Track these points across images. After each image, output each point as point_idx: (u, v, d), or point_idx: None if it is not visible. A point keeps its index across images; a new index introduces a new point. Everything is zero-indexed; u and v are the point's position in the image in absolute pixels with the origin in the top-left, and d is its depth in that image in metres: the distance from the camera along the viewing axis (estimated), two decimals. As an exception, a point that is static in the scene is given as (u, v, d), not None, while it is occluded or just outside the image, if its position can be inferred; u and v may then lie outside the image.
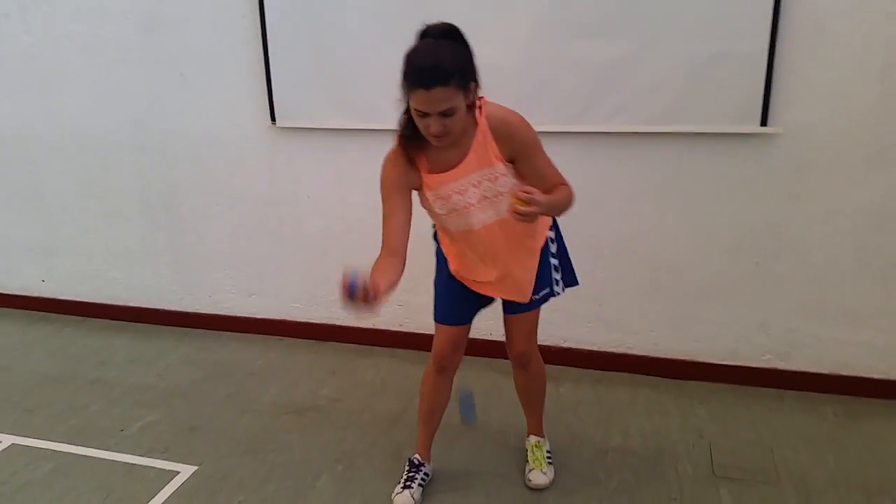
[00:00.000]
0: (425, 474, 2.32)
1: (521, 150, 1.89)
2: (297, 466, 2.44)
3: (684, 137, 2.68)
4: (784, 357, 2.85)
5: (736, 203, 2.72)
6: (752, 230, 2.74)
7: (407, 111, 1.84)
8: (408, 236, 1.95)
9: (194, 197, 3.39)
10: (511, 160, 1.90)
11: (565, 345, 3.09)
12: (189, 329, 3.56)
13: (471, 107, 1.84)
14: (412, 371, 3.05)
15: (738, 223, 2.74)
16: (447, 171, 1.90)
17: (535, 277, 2.10)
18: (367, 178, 3.13)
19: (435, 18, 2.72)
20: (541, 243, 2.10)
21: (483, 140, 1.87)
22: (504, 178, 1.91)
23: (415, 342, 3.23)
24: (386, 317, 3.30)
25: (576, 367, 3.07)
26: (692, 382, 2.93)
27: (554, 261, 2.17)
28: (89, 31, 3.26)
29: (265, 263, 3.41)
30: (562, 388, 2.91)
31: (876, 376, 2.76)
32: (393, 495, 2.25)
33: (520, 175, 1.93)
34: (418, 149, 1.90)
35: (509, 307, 2.20)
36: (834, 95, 2.51)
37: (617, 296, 2.96)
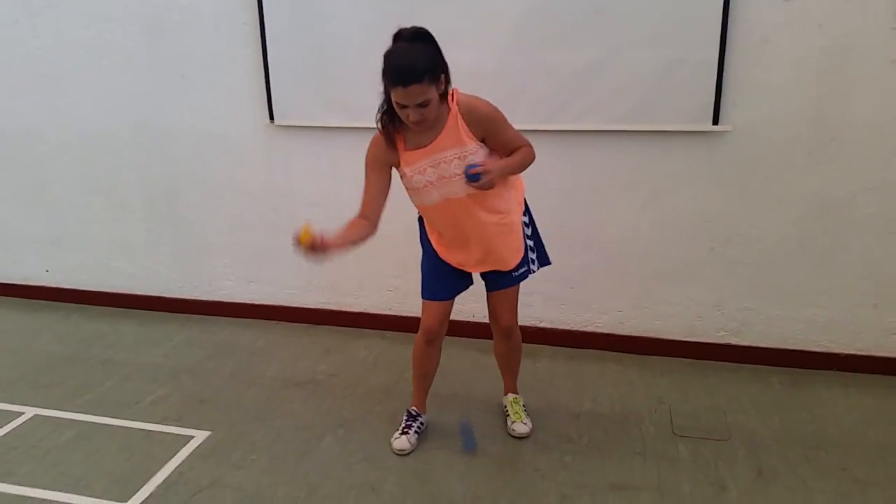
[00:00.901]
0: (421, 423, 2.63)
1: (489, 129, 2.21)
2: (302, 431, 2.70)
3: (646, 135, 2.99)
4: (737, 333, 3.17)
5: (692, 194, 3.04)
6: (707, 218, 3.05)
7: (387, 101, 2.14)
8: (382, 207, 2.30)
9: (195, 191, 3.63)
10: (482, 139, 2.21)
11: (541, 325, 3.38)
12: (191, 315, 3.79)
13: (443, 95, 2.14)
14: (402, 350, 3.32)
15: (695, 212, 3.06)
16: (423, 147, 2.20)
17: (519, 248, 2.39)
18: (358, 173, 3.43)
19: (420, 26, 3.01)
20: (516, 219, 2.39)
21: (455, 123, 2.17)
22: (474, 156, 2.19)
23: (403, 325, 3.50)
24: (376, 301, 3.57)
25: (550, 345, 3.36)
26: (655, 357, 3.23)
27: (529, 241, 2.46)
28: (97, 36, 3.49)
29: (262, 253, 3.65)
30: (538, 364, 3.20)
31: (817, 350, 3.09)
32: (392, 439, 2.56)
33: (492, 149, 2.24)
34: (397, 131, 2.21)
35: (493, 284, 2.48)
36: (777, 97, 2.83)
37: (587, 279, 3.26)
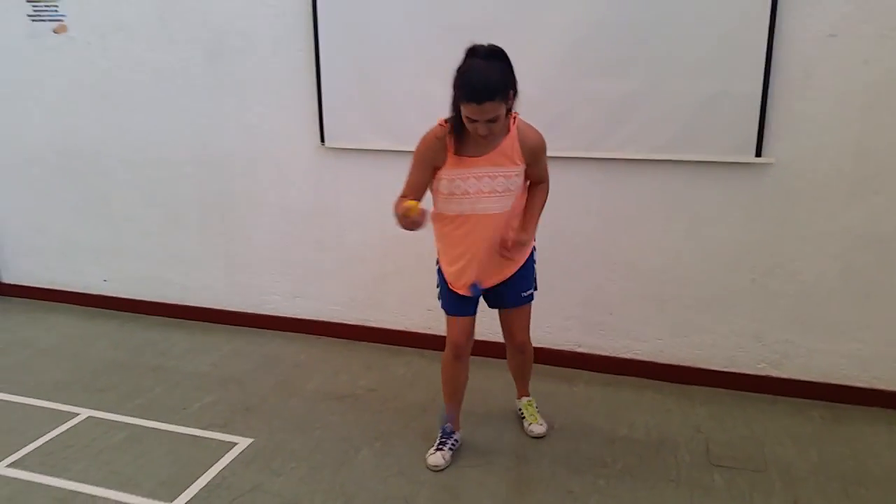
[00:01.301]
0: (455, 440, 2.69)
1: (536, 157, 2.39)
2: (340, 442, 2.78)
3: (688, 165, 3.02)
4: (777, 365, 3.15)
5: (734, 225, 3.05)
6: (748, 249, 3.06)
7: (456, 110, 2.24)
8: (422, 197, 2.40)
9: (248, 208, 3.78)
10: (528, 164, 2.37)
11: (579, 350, 3.41)
12: (239, 327, 3.93)
13: (507, 112, 2.24)
14: (440, 369, 3.36)
15: (736, 243, 3.07)
16: (473, 157, 2.32)
17: (522, 261, 2.55)
18: None
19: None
20: (526, 247, 2.54)
21: (511, 143, 2.32)
22: (517, 179, 2.37)
23: (442, 344, 3.54)
24: (416, 320, 3.65)
25: (588, 370, 3.38)
26: (693, 387, 3.23)
27: (535, 265, 2.62)
28: (161, 59, 3.69)
29: (309, 269, 3.78)
30: (575, 388, 3.22)
31: (859, 385, 3.05)
32: (427, 455, 2.64)
33: (527, 173, 2.41)
34: (458, 136, 2.31)
35: (507, 303, 2.62)
36: (820, 131, 2.84)
37: (626, 306, 3.28)
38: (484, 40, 3.08)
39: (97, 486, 2.51)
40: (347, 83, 3.38)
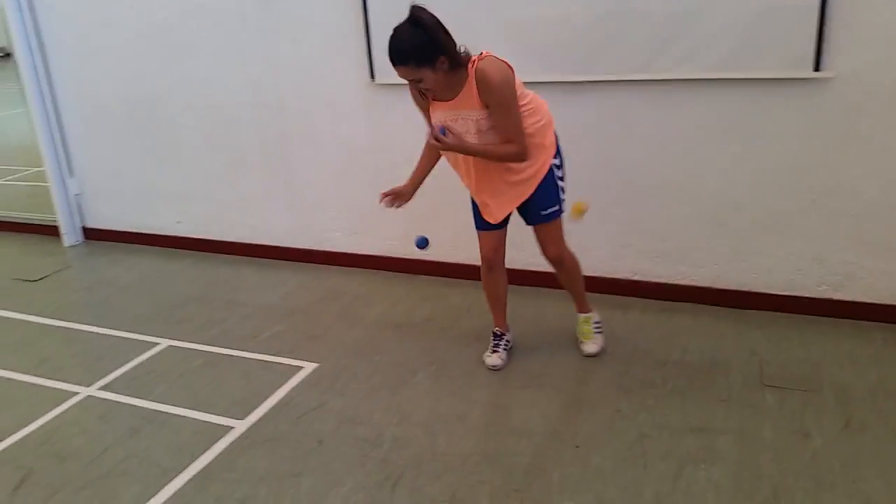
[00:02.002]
0: (507, 341, 2.92)
1: (493, 103, 2.40)
2: (398, 366, 2.92)
3: (742, 83, 2.93)
4: (838, 287, 3.09)
5: (792, 143, 2.96)
6: (807, 169, 2.97)
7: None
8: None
9: (305, 147, 3.89)
10: (486, 105, 2.41)
11: (634, 277, 3.42)
12: (303, 263, 4.10)
13: (460, 65, 2.36)
14: (495, 298, 3.47)
15: (795, 162, 2.98)
16: (444, 101, 2.47)
17: (527, 196, 2.62)
18: None
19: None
20: (529, 176, 2.59)
21: (469, 89, 2.41)
22: (486, 122, 2.45)
23: (498, 274, 3.64)
24: (471, 254, 3.69)
25: (643, 297, 3.39)
26: (751, 311, 3.20)
27: (561, 183, 2.66)
28: (214, 5, 3.79)
29: (365, 206, 3.87)
30: (629, 315, 3.25)
31: (926, 305, 2.97)
32: (484, 357, 2.89)
33: (493, 123, 2.45)
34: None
35: (530, 220, 2.73)
36: (883, 42, 2.70)
37: (681, 231, 3.26)
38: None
39: (177, 406, 2.73)
40: (395, 17, 3.36)
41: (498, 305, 2.94)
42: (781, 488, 2.10)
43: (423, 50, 2.30)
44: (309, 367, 2.95)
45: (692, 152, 3.12)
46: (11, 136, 9.13)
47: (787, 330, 3.02)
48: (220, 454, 2.42)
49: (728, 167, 3.09)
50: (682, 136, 3.11)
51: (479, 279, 3.66)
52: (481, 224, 2.77)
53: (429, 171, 2.78)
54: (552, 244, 2.76)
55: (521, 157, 2.50)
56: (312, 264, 4.09)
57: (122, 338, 3.33)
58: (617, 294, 3.40)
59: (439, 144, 2.45)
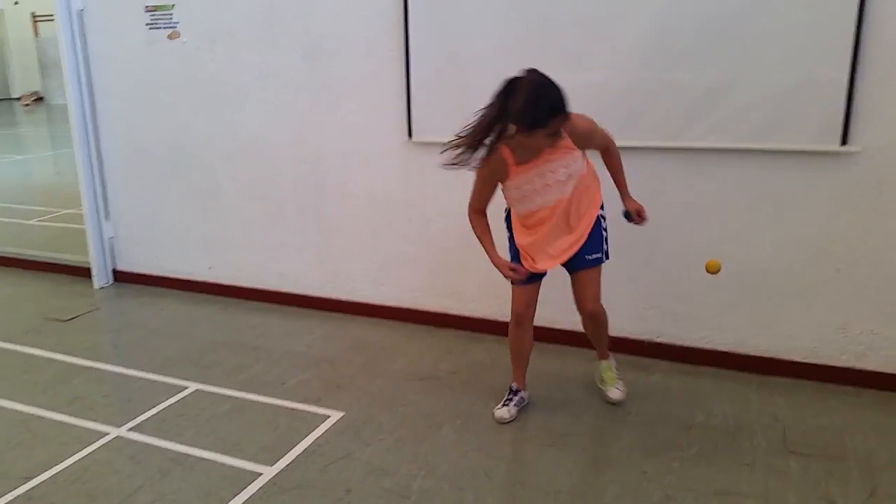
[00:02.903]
0: (521, 398, 2.99)
1: (588, 140, 2.65)
2: (423, 418, 2.96)
3: (771, 154, 3.03)
4: (861, 357, 3.11)
5: (818, 214, 3.03)
6: (832, 239, 3.04)
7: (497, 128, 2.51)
8: (487, 204, 2.79)
9: (340, 199, 4.01)
10: (581, 147, 2.62)
11: (658, 339, 3.46)
12: (330, 312, 4.17)
13: None
14: (519, 354, 3.51)
15: (820, 232, 3.05)
16: (532, 161, 2.58)
17: (586, 236, 2.75)
18: None
19: (553, 49, 3.29)
20: (594, 213, 2.76)
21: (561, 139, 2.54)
22: (575, 163, 2.62)
23: (522, 331, 3.69)
24: (495, 308, 3.77)
25: (666, 360, 3.42)
26: (774, 377, 3.22)
27: (605, 233, 2.78)
28: (263, 61, 3.97)
29: (394, 258, 3.97)
30: (652, 377, 3.28)
31: (950, 378, 2.98)
32: (494, 410, 2.93)
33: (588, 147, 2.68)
34: (505, 148, 2.58)
35: (575, 266, 2.80)
36: (910, 119, 2.80)
37: (706, 296, 3.31)
38: (568, 33, 3.21)
39: (206, 449, 2.77)
40: (435, 80, 3.55)
41: (520, 362, 3.01)
42: (809, 557, 2.11)
43: (565, 102, 2.44)
44: (335, 415, 3.00)
45: (719, 219, 3.19)
46: (37, 178, 9.44)
47: (810, 397, 3.04)
48: (249, 499, 2.45)
49: (754, 235, 3.16)
50: (710, 202, 3.19)
51: (504, 334, 3.73)
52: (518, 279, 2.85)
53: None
54: (591, 297, 2.84)
55: (615, 149, 2.76)
56: (339, 314, 4.16)
57: (152, 380, 3.40)
58: (639, 356, 3.43)
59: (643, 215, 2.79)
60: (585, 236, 2.74)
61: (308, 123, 3.96)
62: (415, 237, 3.89)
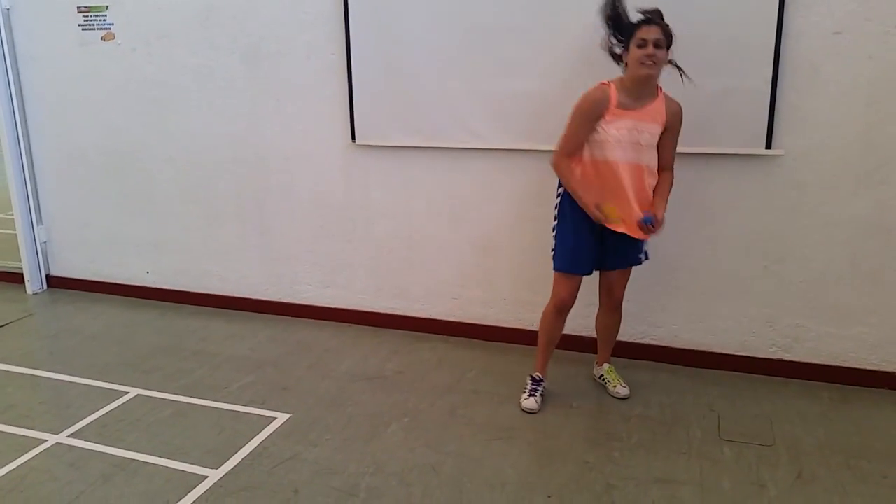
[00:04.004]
0: (544, 388, 3.09)
1: (672, 127, 2.79)
2: (370, 418, 2.97)
3: (701, 157, 3.17)
4: (788, 349, 3.28)
5: (746, 214, 3.19)
6: (759, 237, 3.20)
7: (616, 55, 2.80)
8: (581, 147, 2.80)
9: (282, 203, 4.00)
10: (665, 129, 2.77)
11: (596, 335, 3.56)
12: (274, 315, 4.14)
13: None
14: (463, 353, 3.57)
15: (748, 231, 3.21)
16: (631, 110, 2.72)
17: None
18: (430, 188, 3.78)
19: (490, 58, 3.37)
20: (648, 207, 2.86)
21: (658, 106, 2.75)
22: (656, 137, 2.77)
23: (465, 331, 3.76)
24: (441, 308, 3.82)
25: (606, 355, 3.53)
26: (707, 370, 3.37)
27: None
28: (201, 62, 3.93)
29: (339, 260, 3.98)
30: (593, 372, 3.38)
31: (867, 367, 3.17)
32: (521, 400, 3.03)
33: (661, 142, 2.80)
34: (619, 91, 2.73)
35: (616, 263, 2.96)
36: (827, 124, 2.98)
37: (642, 293, 3.42)
38: (504, 42, 3.30)
39: (149, 454, 2.72)
40: (377, 84, 3.58)
41: (548, 351, 3.08)
42: (741, 536, 2.22)
43: (670, 30, 2.66)
44: (281, 417, 2.98)
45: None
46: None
47: (742, 388, 3.19)
48: (195, 502, 2.42)
49: (687, 234, 3.29)
50: (644, 203, 3.31)
51: (449, 334, 3.80)
52: (570, 266, 2.91)
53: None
54: (622, 288, 3.03)
55: (672, 177, 2.90)
56: (283, 316, 4.13)
57: (90, 386, 3.31)
58: (580, 352, 3.53)
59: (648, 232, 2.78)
60: (617, 218, 2.82)
61: (248, 126, 3.94)
62: (360, 239, 3.91)
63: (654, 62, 2.63)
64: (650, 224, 2.77)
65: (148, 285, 4.49)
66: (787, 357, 3.29)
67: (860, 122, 2.94)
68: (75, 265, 4.66)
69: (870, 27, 2.85)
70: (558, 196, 2.91)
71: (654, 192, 2.85)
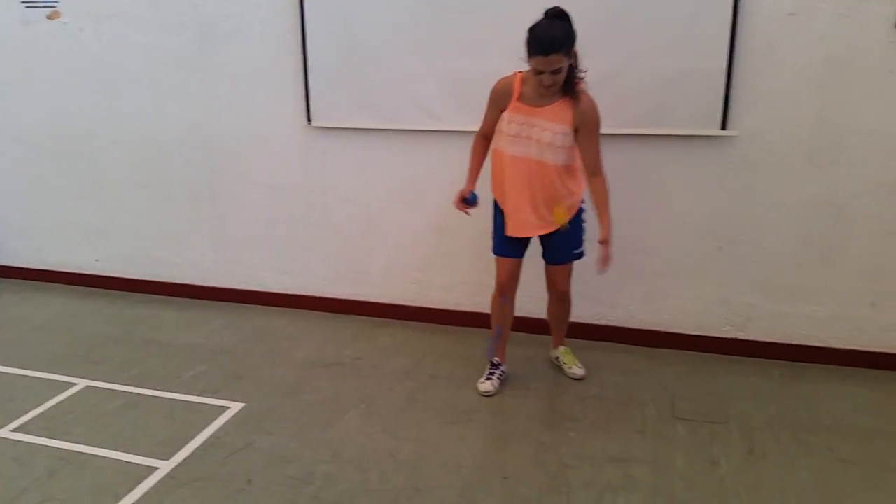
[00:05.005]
0: (502, 371, 3.09)
1: (584, 127, 2.70)
2: (327, 404, 2.94)
3: (658, 139, 3.18)
4: (741, 328, 3.33)
5: (701, 195, 3.21)
6: (714, 218, 3.23)
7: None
8: (493, 131, 2.83)
9: (236, 186, 3.91)
10: (576, 129, 2.69)
11: (555, 318, 3.57)
12: (228, 303, 4.06)
13: (570, 79, 2.61)
14: (423, 338, 3.55)
15: (703, 212, 3.23)
16: (530, 107, 2.69)
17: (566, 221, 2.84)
18: (388, 171, 3.73)
19: (448, 39, 3.34)
20: (576, 202, 2.86)
21: (563, 106, 2.67)
22: (563, 138, 2.69)
23: (425, 315, 3.73)
24: (401, 293, 3.79)
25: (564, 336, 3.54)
26: (663, 349, 3.40)
27: (584, 225, 2.90)
28: (152, 42, 3.80)
29: (296, 246, 3.91)
30: (550, 353, 3.38)
31: (817, 344, 3.23)
32: (478, 384, 3.02)
33: (578, 143, 2.73)
34: (524, 84, 2.71)
35: (553, 258, 2.96)
36: (781, 104, 3.01)
37: (600, 275, 3.43)
38: (465, 21, 3.25)
39: (97, 447, 2.65)
40: (333, 64, 3.50)
41: (501, 336, 3.07)
42: (694, 513, 2.25)
43: (571, 38, 2.55)
44: (235, 406, 2.93)
45: (611, 201, 3.31)
46: None
47: (696, 367, 3.23)
48: (146, 494, 2.36)
49: (643, 216, 3.31)
50: (601, 185, 3.31)
51: (409, 319, 3.77)
52: (502, 250, 2.93)
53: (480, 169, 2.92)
54: (565, 281, 3.02)
55: (604, 183, 2.79)
56: (238, 304, 4.05)
57: (36, 378, 3.20)
58: (537, 334, 3.53)
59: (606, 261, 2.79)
60: (569, 215, 2.83)
61: (201, 108, 3.83)
62: (317, 224, 3.84)
63: (553, 84, 2.59)
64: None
65: (97, 273, 4.36)
66: (740, 336, 3.34)
67: (812, 103, 2.97)
68: (21, 254, 4.50)
69: (823, 8, 2.87)
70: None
71: (596, 206, 2.79)
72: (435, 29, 3.30)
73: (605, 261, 2.75)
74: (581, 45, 3.10)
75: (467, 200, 2.85)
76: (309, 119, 3.62)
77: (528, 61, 2.55)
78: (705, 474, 2.44)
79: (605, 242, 2.74)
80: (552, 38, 2.49)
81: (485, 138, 2.88)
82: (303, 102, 3.61)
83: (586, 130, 2.70)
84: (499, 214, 2.92)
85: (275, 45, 3.59)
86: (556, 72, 2.53)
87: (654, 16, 3.02)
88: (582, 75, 2.69)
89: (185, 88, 3.82)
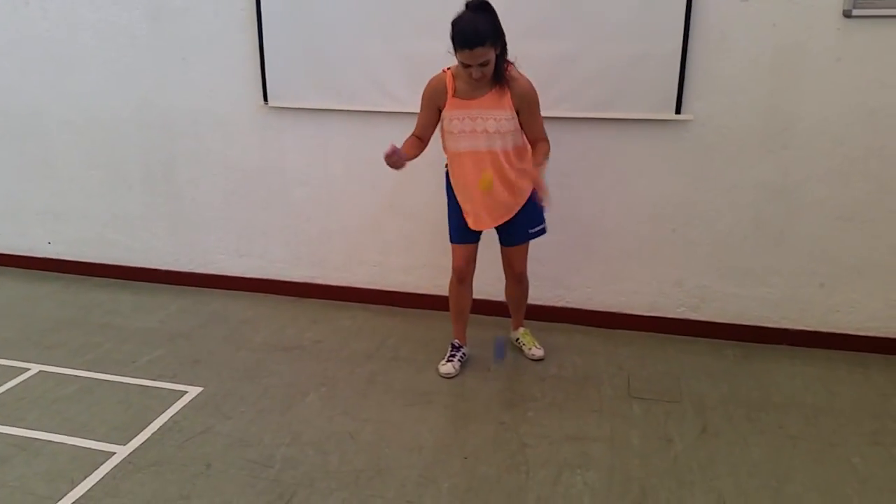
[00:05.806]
0: (463, 353, 3.12)
1: (525, 104, 2.69)
2: (287, 388, 2.93)
3: (613, 123, 3.21)
4: (695, 309, 3.41)
5: (656, 178, 3.26)
6: (668, 201, 3.28)
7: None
8: (431, 133, 2.83)
9: (191, 168, 3.84)
10: (518, 111, 2.68)
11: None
12: (185, 287, 4.00)
13: (498, 69, 2.59)
14: (384, 320, 3.55)
15: (658, 195, 3.29)
16: (468, 100, 2.68)
17: (521, 206, 2.86)
18: (347, 152, 3.70)
19: (408, 18, 3.32)
20: (523, 189, 2.83)
21: (501, 91, 2.66)
22: (507, 122, 2.69)
23: (386, 298, 3.73)
24: (361, 276, 3.78)
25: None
26: (619, 330, 3.47)
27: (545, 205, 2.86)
28: (102, 18, 3.69)
29: (254, 228, 3.87)
30: (509, 334, 3.42)
31: (769, 325, 3.33)
32: (439, 366, 3.05)
33: (521, 122, 2.73)
34: (456, 79, 2.70)
35: (510, 240, 2.95)
36: (734, 89, 3.06)
37: (557, 257, 3.48)
38: (423, 3, 3.23)
39: (51, 432, 2.60)
40: (290, 43, 3.45)
41: (461, 318, 3.11)
42: (648, 488, 2.31)
43: (496, 30, 2.53)
44: (193, 391, 2.90)
45: (568, 185, 3.35)
46: None
47: (651, 347, 3.30)
48: (102, 479, 2.34)
49: (599, 199, 3.35)
50: (559, 169, 3.32)
51: (369, 302, 3.77)
52: (459, 237, 2.93)
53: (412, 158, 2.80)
54: (521, 261, 3.02)
55: (549, 147, 2.78)
56: (195, 287, 4.00)
57: (-14, 364, 3.13)
58: (497, 316, 3.56)
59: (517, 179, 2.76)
60: (522, 200, 2.84)
61: (154, 86, 3.74)
62: (276, 206, 3.80)
63: (482, 76, 2.58)
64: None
65: (50, 256, 4.25)
66: (694, 317, 3.42)
67: (764, 88, 3.04)
68: (-32, 236, 4.37)
69: (774, -6, 2.93)
70: (446, 172, 2.94)
71: (533, 155, 2.79)
72: (393, 9, 3.27)
73: (539, 187, 2.65)
74: (537, 28, 3.14)
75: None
76: (266, 99, 3.57)
77: (455, 55, 2.54)
78: (660, 452, 2.50)
79: (538, 165, 2.70)
80: (476, 31, 2.47)
81: (419, 140, 2.83)
82: (259, 82, 3.55)
83: (528, 110, 2.71)
84: (453, 203, 2.92)
85: (229, 23, 3.52)
86: (483, 64, 2.52)
87: (609, 0, 3.04)
88: (512, 60, 2.68)
89: (137, 66, 3.73)
